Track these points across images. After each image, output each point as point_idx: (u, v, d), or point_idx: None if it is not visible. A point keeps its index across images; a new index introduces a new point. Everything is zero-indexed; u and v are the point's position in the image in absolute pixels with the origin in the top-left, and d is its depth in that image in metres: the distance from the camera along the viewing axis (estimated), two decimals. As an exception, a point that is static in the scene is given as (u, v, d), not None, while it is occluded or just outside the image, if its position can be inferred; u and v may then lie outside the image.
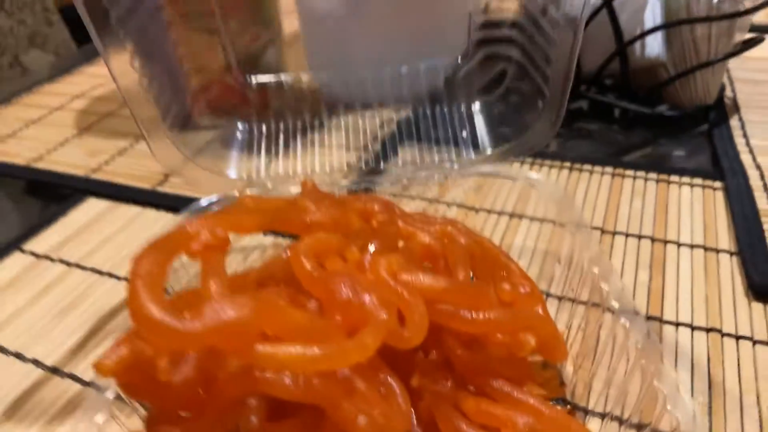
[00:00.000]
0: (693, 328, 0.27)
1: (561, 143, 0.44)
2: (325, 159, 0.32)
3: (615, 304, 0.23)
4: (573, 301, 0.28)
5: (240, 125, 0.32)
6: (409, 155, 0.32)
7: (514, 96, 0.31)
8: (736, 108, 0.44)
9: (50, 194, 0.43)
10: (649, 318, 0.28)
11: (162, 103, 0.27)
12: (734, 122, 0.43)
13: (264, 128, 0.32)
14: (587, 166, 0.39)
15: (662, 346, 0.26)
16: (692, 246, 0.32)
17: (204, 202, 0.29)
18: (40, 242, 0.37)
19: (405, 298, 0.20)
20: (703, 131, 0.43)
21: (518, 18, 0.29)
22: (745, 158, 0.38)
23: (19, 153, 0.48)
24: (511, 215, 0.35)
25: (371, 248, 0.23)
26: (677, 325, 0.27)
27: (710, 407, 0.24)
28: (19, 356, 0.29)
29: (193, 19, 0.33)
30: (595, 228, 0.34)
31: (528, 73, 0.28)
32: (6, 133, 0.51)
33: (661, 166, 0.39)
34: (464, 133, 0.31)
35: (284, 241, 0.34)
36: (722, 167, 0.37)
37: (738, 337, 0.27)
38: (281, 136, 0.32)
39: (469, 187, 0.36)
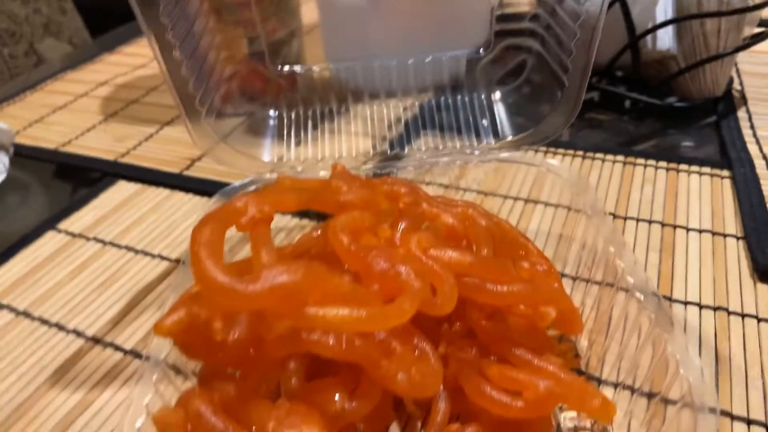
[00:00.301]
0: (701, 306, 0.29)
1: (573, 133, 0.45)
2: (351, 144, 0.33)
3: (630, 279, 0.24)
4: (587, 281, 0.29)
5: (270, 111, 0.34)
6: (431, 142, 0.33)
7: (533, 86, 0.32)
8: (744, 100, 0.46)
9: (80, 177, 0.44)
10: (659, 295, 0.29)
11: (198, 88, 0.29)
12: (742, 114, 0.44)
13: (293, 114, 0.34)
14: (599, 155, 0.41)
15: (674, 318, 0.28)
16: (700, 231, 0.33)
17: (237, 184, 0.30)
18: (74, 222, 0.39)
19: (436, 271, 0.21)
20: (712, 122, 0.44)
21: (538, 10, 0.30)
22: (752, 148, 0.39)
23: (47, 137, 0.49)
24: (526, 201, 0.36)
25: (401, 226, 0.24)
26: (686, 304, 0.29)
27: (717, 380, 0.26)
28: (60, 327, 0.31)
29: (222, 10, 0.34)
30: (608, 213, 0.35)
31: (547, 63, 0.30)
32: (33, 118, 0.53)
33: (671, 155, 0.40)
34: (484, 121, 0.33)
35: (309, 223, 0.36)
36: (730, 157, 0.39)
37: (744, 315, 0.28)
38: (309, 123, 0.34)
39: (485, 173, 0.37)
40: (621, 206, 0.36)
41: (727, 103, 0.45)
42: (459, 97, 0.33)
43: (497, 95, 0.33)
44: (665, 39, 0.44)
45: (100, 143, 0.48)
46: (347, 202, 0.25)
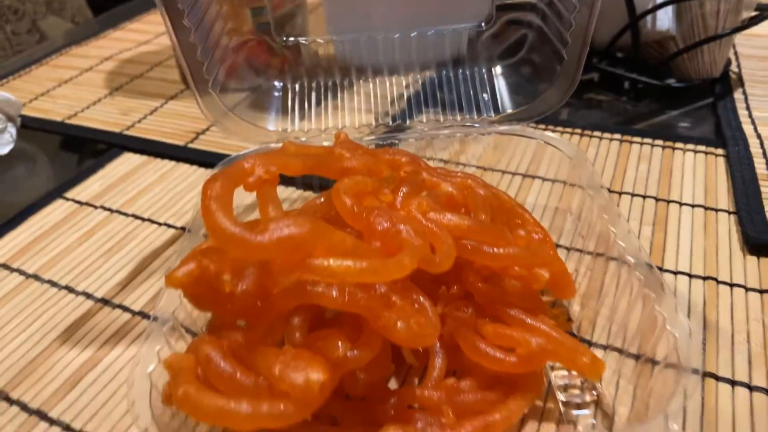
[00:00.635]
0: (691, 276, 0.30)
1: (572, 112, 0.46)
2: (354, 119, 0.34)
3: (621, 244, 0.25)
4: (581, 251, 0.30)
5: (275, 83, 0.35)
6: (432, 114, 0.34)
7: (533, 60, 0.33)
8: (741, 82, 0.46)
9: (87, 148, 0.45)
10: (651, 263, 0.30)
11: (205, 58, 0.30)
12: (738, 95, 0.45)
13: (297, 87, 0.35)
14: (597, 133, 0.41)
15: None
16: (693, 206, 0.34)
17: (241, 154, 0.31)
18: (81, 191, 0.40)
19: (434, 231, 0.22)
20: (709, 103, 0.45)
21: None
22: (747, 128, 0.40)
23: (54, 110, 0.50)
24: (525, 175, 0.37)
25: (402, 191, 0.25)
26: (676, 273, 0.30)
27: (704, 344, 0.27)
28: (69, 289, 0.32)
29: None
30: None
31: (547, 38, 0.30)
32: (39, 91, 0.53)
33: (667, 134, 0.41)
34: (485, 95, 0.33)
35: (313, 195, 0.37)
36: (725, 136, 0.39)
37: (732, 285, 0.29)
38: (313, 95, 0.35)
39: (484, 148, 0.38)
40: (617, 182, 0.37)
41: (725, 85, 0.46)
42: (460, 71, 0.34)
43: (498, 70, 0.34)
44: (665, 19, 0.44)
45: (106, 116, 0.48)
46: (350, 168, 0.26)
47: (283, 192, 0.37)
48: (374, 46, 0.34)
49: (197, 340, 0.20)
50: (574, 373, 0.25)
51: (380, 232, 0.21)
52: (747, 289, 0.29)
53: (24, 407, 0.26)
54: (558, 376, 0.25)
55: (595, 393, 0.24)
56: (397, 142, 0.32)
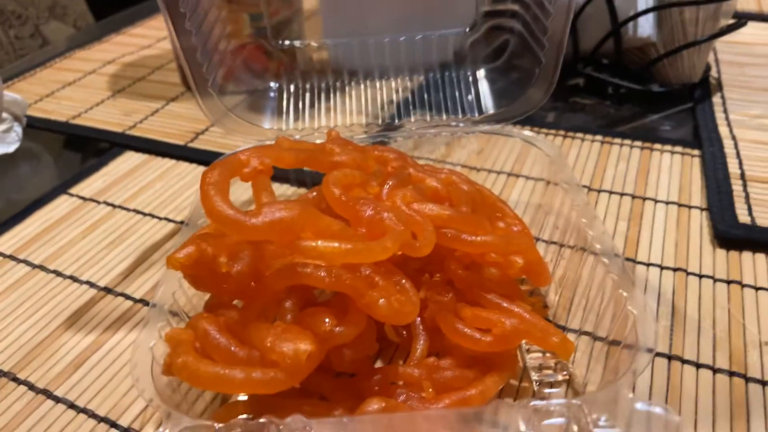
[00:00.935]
0: (662, 267, 0.32)
1: (557, 115, 0.48)
2: (346, 117, 0.36)
3: (597, 246, 0.27)
4: (560, 245, 0.32)
5: (271, 85, 0.36)
6: (420, 115, 0.36)
7: (514, 64, 0.35)
8: (720, 87, 0.48)
9: (90, 147, 0.47)
10: (624, 259, 0.32)
11: (204, 60, 0.31)
12: (716, 99, 0.46)
13: (291, 88, 0.36)
14: (579, 134, 0.43)
15: (634, 278, 0.31)
16: (667, 202, 0.36)
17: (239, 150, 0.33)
18: (85, 188, 0.41)
19: (416, 219, 0.24)
20: (688, 107, 0.47)
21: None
22: (723, 130, 0.42)
23: (58, 111, 0.52)
24: (509, 174, 0.39)
25: (388, 184, 0.27)
26: (648, 265, 0.32)
27: (672, 329, 0.28)
28: (74, 279, 0.34)
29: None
30: (583, 186, 0.38)
31: (527, 42, 0.32)
32: (44, 93, 0.55)
33: (647, 136, 0.43)
34: (469, 97, 0.35)
35: (304, 191, 0.38)
36: (701, 137, 0.41)
37: (701, 276, 0.31)
38: (307, 96, 0.36)
39: (471, 149, 0.40)
40: (596, 180, 0.38)
41: (704, 89, 0.48)
42: (447, 74, 0.36)
43: (482, 72, 0.36)
44: (646, 26, 0.46)
45: (109, 117, 0.50)
46: (340, 163, 0.27)
47: (278, 189, 0.39)
48: (365, 50, 0.36)
49: (195, 316, 0.21)
50: (548, 355, 0.27)
51: (365, 219, 0.23)
52: (715, 280, 0.31)
53: (31, 387, 0.28)
54: (532, 358, 0.27)
55: (566, 373, 0.26)
56: (387, 140, 0.34)
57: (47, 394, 0.27)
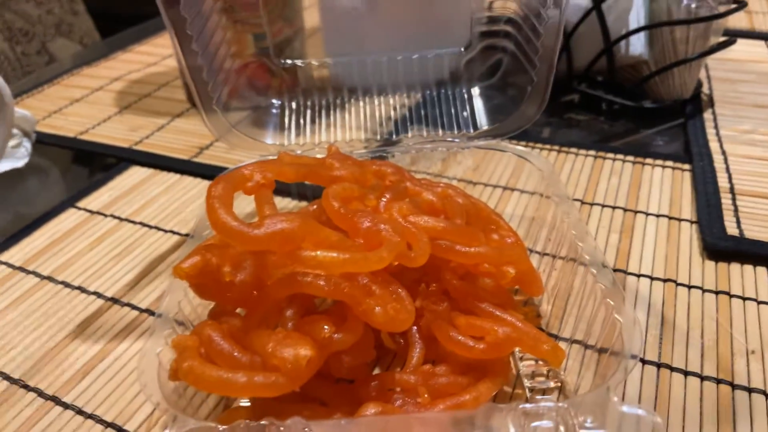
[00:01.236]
0: (652, 278, 0.32)
1: (553, 131, 0.49)
2: (346, 133, 0.37)
3: (586, 257, 0.28)
4: (553, 256, 0.33)
5: (274, 101, 0.38)
6: (417, 131, 0.37)
7: (507, 82, 0.36)
8: (711, 103, 0.49)
9: (97, 162, 0.48)
10: (615, 270, 0.33)
11: (210, 79, 0.33)
12: (708, 115, 0.48)
13: (293, 105, 0.38)
14: (573, 150, 0.44)
15: (624, 292, 0.32)
16: (658, 215, 0.37)
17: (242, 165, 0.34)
18: (92, 201, 0.43)
19: (412, 231, 0.25)
20: (680, 123, 0.48)
21: (513, 15, 0.34)
22: (713, 145, 0.43)
23: (66, 126, 0.53)
24: (504, 188, 0.40)
25: (385, 197, 0.28)
26: (638, 276, 0.33)
27: (661, 339, 0.29)
28: (81, 290, 0.35)
29: (233, 11, 0.38)
30: (576, 199, 0.39)
31: (520, 61, 0.34)
32: (52, 109, 0.56)
33: (639, 151, 0.44)
34: (465, 113, 0.36)
35: (306, 204, 0.39)
36: (692, 152, 0.42)
37: (690, 287, 0.32)
38: (308, 112, 0.38)
39: (467, 165, 0.41)
40: (589, 194, 0.39)
41: (695, 105, 0.49)
42: (443, 91, 0.37)
43: (476, 90, 0.37)
44: (638, 45, 0.48)
45: (116, 132, 0.51)
46: (339, 177, 0.29)
47: (281, 202, 0.40)
48: (364, 69, 0.37)
49: (200, 323, 0.22)
50: (541, 362, 0.28)
51: (363, 231, 0.24)
52: (704, 291, 0.32)
53: (40, 393, 0.28)
54: (525, 365, 0.28)
55: (558, 380, 0.27)
56: (385, 155, 0.35)
57: (56, 400, 0.28)
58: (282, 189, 0.39)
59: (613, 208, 0.38)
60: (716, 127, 0.46)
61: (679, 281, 0.32)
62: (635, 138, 0.47)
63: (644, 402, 0.26)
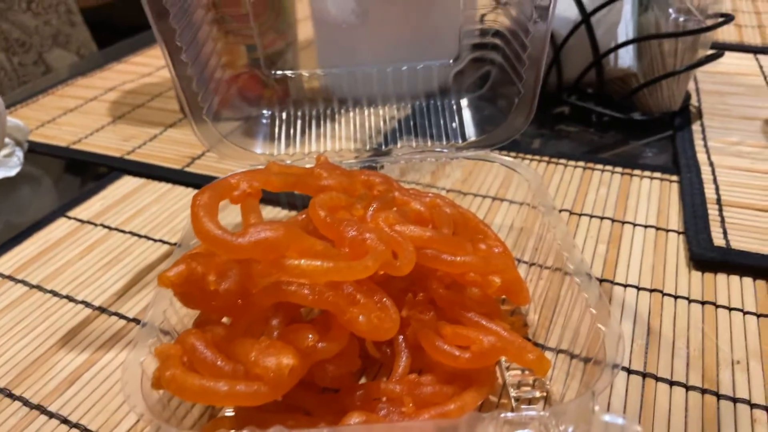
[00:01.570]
0: (639, 288, 0.33)
1: (543, 142, 0.49)
2: (335, 143, 0.37)
3: (572, 267, 0.28)
4: (540, 266, 0.33)
5: (264, 112, 0.38)
6: (407, 141, 0.37)
7: (495, 93, 0.36)
8: (700, 115, 0.50)
9: (89, 172, 0.48)
10: (602, 281, 0.33)
11: (200, 89, 0.33)
12: (696, 127, 0.48)
13: (284, 116, 0.38)
14: (562, 161, 0.45)
15: (610, 303, 0.32)
16: (646, 226, 0.37)
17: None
18: (83, 211, 0.43)
19: (398, 240, 0.25)
20: (669, 135, 0.48)
21: (500, 28, 0.34)
22: (701, 157, 0.44)
23: (59, 136, 0.53)
24: (493, 199, 0.40)
25: (373, 207, 0.28)
26: (625, 286, 0.33)
27: (647, 348, 0.29)
28: (70, 298, 0.35)
29: (224, 22, 0.39)
30: (565, 210, 0.39)
31: (507, 73, 0.34)
32: (46, 119, 0.57)
33: (627, 162, 0.44)
34: (453, 124, 0.37)
35: (296, 214, 0.40)
36: (679, 164, 0.43)
37: (676, 297, 0.32)
38: (299, 123, 0.38)
39: (456, 178, 0.41)
40: (578, 204, 0.40)
41: (684, 117, 0.50)
42: (432, 102, 0.38)
43: (465, 101, 0.38)
44: (626, 58, 0.48)
45: (108, 142, 0.52)
46: (327, 186, 0.29)
47: (270, 212, 0.40)
48: (354, 80, 0.38)
49: (184, 332, 0.22)
50: (527, 372, 0.28)
51: (348, 239, 0.24)
52: (690, 301, 0.32)
53: (25, 402, 0.28)
54: (511, 375, 0.28)
55: (544, 390, 0.27)
56: (374, 165, 0.35)
57: (41, 409, 0.28)
58: (272, 199, 0.39)
59: (601, 218, 0.38)
60: (704, 138, 0.47)
61: (665, 291, 0.32)
62: (624, 149, 0.47)
63: (629, 411, 0.26)
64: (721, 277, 0.33)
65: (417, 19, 0.38)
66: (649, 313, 0.31)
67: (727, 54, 0.52)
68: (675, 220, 0.38)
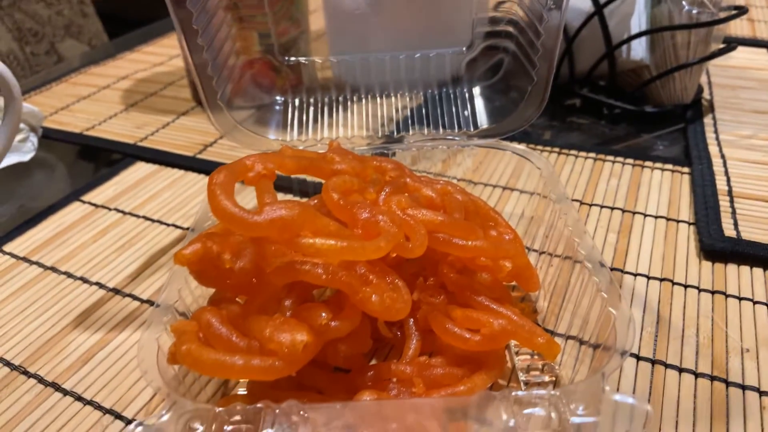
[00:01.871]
0: (649, 278, 0.33)
1: (554, 133, 0.49)
2: (347, 131, 0.38)
3: (583, 254, 0.28)
4: (551, 254, 0.33)
5: (277, 98, 0.38)
6: (418, 129, 0.38)
7: (508, 81, 0.36)
8: (712, 108, 0.50)
9: (102, 158, 0.49)
10: (612, 269, 0.33)
11: (215, 74, 0.33)
12: (708, 120, 0.48)
13: (297, 102, 0.38)
14: (573, 152, 0.45)
15: (620, 288, 0.32)
16: (656, 216, 0.37)
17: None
18: (97, 195, 0.43)
19: (410, 223, 0.25)
20: (680, 128, 0.48)
21: (514, 16, 0.34)
22: (713, 149, 0.44)
23: (73, 123, 0.54)
24: (504, 188, 0.41)
25: (385, 191, 0.28)
26: (635, 275, 0.33)
27: (656, 336, 0.29)
28: (84, 280, 0.35)
29: (238, 8, 0.39)
30: (576, 200, 0.39)
31: (520, 61, 0.34)
32: (60, 106, 0.57)
33: (639, 154, 0.44)
34: (465, 112, 0.37)
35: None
36: (691, 156, 0.43)
37: (686, 286, 0.32)
38: (311, 110, 0.38)
39: (467, 167, 0.41)
40: (588, 195, 0.40)
41: (696, 110, 0.49)
42: (444, 90, 0.38)
43: (477, 90, 0.38)
44: (639, 50, 0.48)
45: (121, 129, 0.52)
46: (339, 171, 0.29)
47: (281, 198, 0.40)
48: (367, 68, 0.38)
49: (199, 309, 0.23)
50: (536, 357, 0.28)
51: (361, 221, 0.24)
52: (700, 290, 0.32)
53: (40, 380, 0.29)
54: (521, 359, 0.28)
55: (553, 375, 0.27)
56: (386, 152, 0.35)
57: (56, 387, 0.28)
58: (284, 185, 0.40)
59: (612, 208, 0.38)
60: (716, 131, 0.46)
61: (675, 281, 0.33)
62: (635, 142, 0.47)
63: (636, 395, 0.26)
64: (732, 268, 0.33)
65: (430, 7, 0.38)
66: (659, 301, 0.31)
67: (740, 48, 0.52)
68: (686, 211, 0.38)
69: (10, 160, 0.46)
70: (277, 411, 0.19)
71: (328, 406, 0.19)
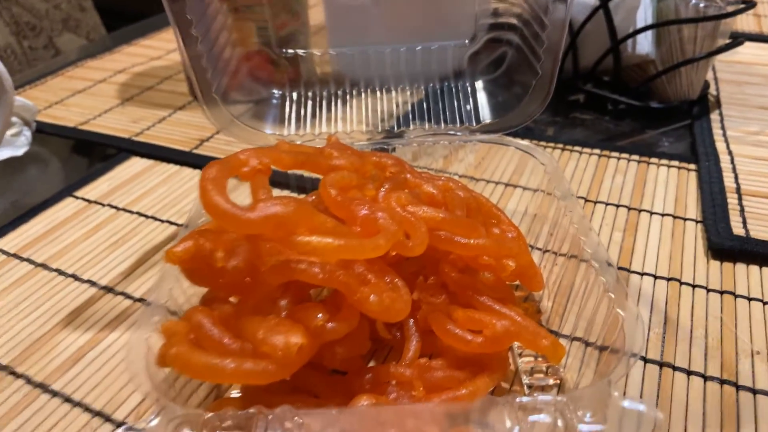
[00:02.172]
0: (656, 277, 0.32)
1: (557, 129, 0.48)
2: (347, 125, 0.37)
3: (590, 253, 0.27)
4: (555, 253, 0.32)
5: (275, 92, 0.37)
6: (419, 124, 0.37)
7: (511, 75, 0.35)
8: (718, 104, 0.49)
9: (97, 152, 0.48)
10: (618, 268, 0.32)
11: (210, 67, 0.32)
12: (714, 116, 0.47)
13: (294, 96, 0.37)
14: (578, 148, 0.44)
15: (627, 288, 0.31)
16: (663, 214, 0.36)
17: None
18: (90, 191, 0.42)
19: (410, 220, 0.24)
20: (687, 124, 0.47)
21: (517, 8, 0.33)
22: (720, 145, 0.43)
23: (67, 117, 0.53)
24: (507, 185, 0.40)
25: (385, 187, 0.28)
26: (642, 275, 0.32)
27: (664, 338, 0.29)
28: (75, 277, 0.34)
29: (235, 1, 0.38)
30: (580, 197, 0.38)
31: (524, 54, 0.33)
32: (54, 100, 0.56)
33: (644, 150, 0.43)
34: (468, 107, 0.36)
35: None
36: (698, 152, 0.42)
37: (694, 286, 0.31)
38: (309, 104, 0.37)
39: (469, 163, 0.40)
40: (593, 192, 0.39)
41: (702, 106, 0.48)
42: (446, 84, 0.37)
43: (480, 84, 0.37)
44: (644, 44, 0.47)
45: (117, 123, 0.51)
46: (338, 166, 0.28)
47: (279, 194, 0.39)
48: (367, 61, 0.37)
49: (191, 309, 0.22)
50: (540, 359, 0.27)
51: (360, 218, 0.23)
52: (708, 290, 0.31)
53: (28, 380, 0.28)
54: (524, 362, 0.27)
55: (557, 377, 0.26)
56: (386, 148, 0.34)
57: (44, 387, 0.28)
58: (280, 181, 0.39)
59: (617, 206, 0.37)
60: (723, 128, 0.45)
61: (683, 280, 0.32)
62: (641, 138, 0.46)
63: (646, 400, 0.26)
64: (741, 267, 0.32)
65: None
66: (666, 301, 0.30)
67: (746, 44, 0.51)
68: (693, 209, 0.37)
69: (3, 154, 0.45)
70: (270, 417, 0.18)
71: (323, 411, 0.19)
